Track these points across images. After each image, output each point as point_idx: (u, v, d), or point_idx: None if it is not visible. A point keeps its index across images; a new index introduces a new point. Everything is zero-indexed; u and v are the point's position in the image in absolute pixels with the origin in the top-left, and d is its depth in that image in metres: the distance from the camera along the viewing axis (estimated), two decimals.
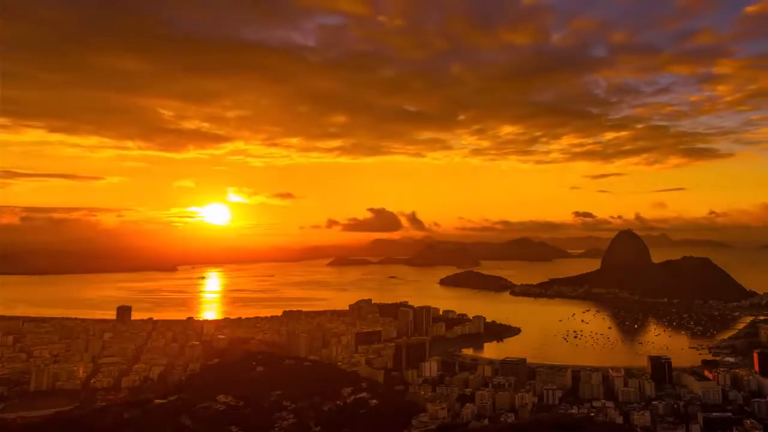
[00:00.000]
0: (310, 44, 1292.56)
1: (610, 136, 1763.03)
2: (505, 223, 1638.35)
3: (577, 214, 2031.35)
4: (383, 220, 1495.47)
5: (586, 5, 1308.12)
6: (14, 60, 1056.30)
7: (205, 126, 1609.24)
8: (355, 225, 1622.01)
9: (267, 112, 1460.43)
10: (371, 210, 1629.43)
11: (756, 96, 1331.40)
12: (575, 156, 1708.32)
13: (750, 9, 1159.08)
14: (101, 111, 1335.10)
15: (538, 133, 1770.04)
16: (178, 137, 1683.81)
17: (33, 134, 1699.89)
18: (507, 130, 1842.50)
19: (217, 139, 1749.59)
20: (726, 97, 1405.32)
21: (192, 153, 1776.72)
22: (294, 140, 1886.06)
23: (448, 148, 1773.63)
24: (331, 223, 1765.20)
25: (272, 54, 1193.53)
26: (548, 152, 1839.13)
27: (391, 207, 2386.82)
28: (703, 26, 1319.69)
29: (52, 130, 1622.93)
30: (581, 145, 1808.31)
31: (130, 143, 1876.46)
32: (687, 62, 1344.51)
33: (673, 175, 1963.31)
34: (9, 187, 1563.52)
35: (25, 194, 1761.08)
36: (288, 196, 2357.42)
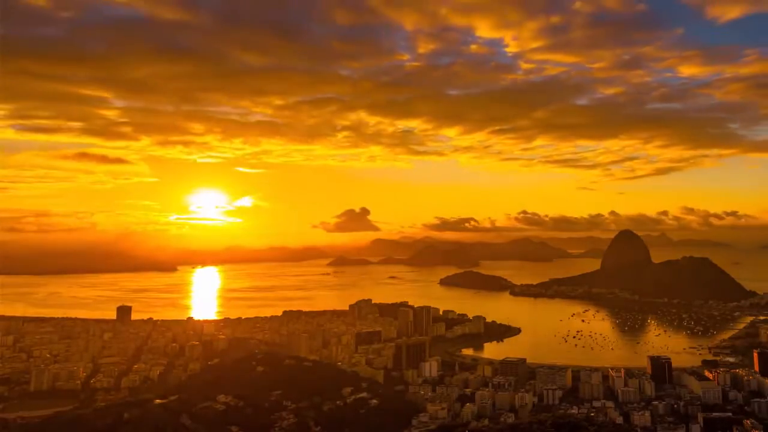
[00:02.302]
0: (344, 73, 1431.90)
1: (592, 143, 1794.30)
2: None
3: (521, 213, 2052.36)
4: (354, 220, 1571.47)
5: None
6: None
7: (215, 136, 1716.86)
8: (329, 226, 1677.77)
9: (275, 124, 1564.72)
10: (345, 213, 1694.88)
11: (737, 107, 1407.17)
12: (558, 163, 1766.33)
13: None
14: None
15: (525, 142, 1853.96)
16: (187, 145, 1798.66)
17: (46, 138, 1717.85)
18: (493, 140, 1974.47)
19: (223, 147, 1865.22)
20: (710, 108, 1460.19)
21: (197, 157, 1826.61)
22: (297, 147, 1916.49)
23: (440, 154, 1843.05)
24: (315, 226, 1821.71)
25: (303, 77, 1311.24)
26: (532, 158, 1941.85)
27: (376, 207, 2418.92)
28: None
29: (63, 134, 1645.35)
30: (560, 153, 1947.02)
31: (138, 146, 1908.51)
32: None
33: (657, 180, 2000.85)
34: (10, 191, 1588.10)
35: (29, 198, 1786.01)
36: (289, 198, 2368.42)
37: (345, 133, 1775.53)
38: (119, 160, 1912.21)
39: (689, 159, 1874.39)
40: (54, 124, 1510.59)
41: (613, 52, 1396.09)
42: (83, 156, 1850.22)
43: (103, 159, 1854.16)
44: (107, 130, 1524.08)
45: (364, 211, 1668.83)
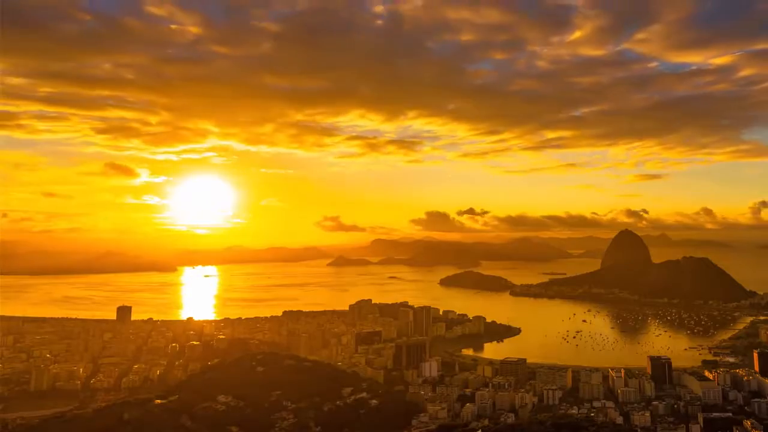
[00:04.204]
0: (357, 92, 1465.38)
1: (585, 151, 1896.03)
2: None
3: (459, 212, 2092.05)
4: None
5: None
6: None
7: (223, 140, 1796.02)
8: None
9: (287, 133, 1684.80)
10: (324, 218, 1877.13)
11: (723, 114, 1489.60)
12: (550, 169, 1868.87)
13: None
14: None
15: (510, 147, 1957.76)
16: (193, 150, 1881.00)
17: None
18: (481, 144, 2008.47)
19: (227, 151, 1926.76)
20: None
21: (200, 159, 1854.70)
22: (297, 150, 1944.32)
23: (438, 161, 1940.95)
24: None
25: (320, 96, 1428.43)
26: (524, 163, 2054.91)
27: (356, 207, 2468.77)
28: None
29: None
30: (553, 159, 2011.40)
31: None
32: None
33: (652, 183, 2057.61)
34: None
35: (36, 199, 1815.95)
36: (287, 199, 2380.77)
37: (352, 142, 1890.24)
38: (126, 161, 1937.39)
39: (679, 163, 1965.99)
40: (79, 132, 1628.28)
41: (593, 78, 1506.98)
42: (97, 159, 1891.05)
43: (113, 160, 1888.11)
44: (121, 135, 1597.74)
45: (335, 217, 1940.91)
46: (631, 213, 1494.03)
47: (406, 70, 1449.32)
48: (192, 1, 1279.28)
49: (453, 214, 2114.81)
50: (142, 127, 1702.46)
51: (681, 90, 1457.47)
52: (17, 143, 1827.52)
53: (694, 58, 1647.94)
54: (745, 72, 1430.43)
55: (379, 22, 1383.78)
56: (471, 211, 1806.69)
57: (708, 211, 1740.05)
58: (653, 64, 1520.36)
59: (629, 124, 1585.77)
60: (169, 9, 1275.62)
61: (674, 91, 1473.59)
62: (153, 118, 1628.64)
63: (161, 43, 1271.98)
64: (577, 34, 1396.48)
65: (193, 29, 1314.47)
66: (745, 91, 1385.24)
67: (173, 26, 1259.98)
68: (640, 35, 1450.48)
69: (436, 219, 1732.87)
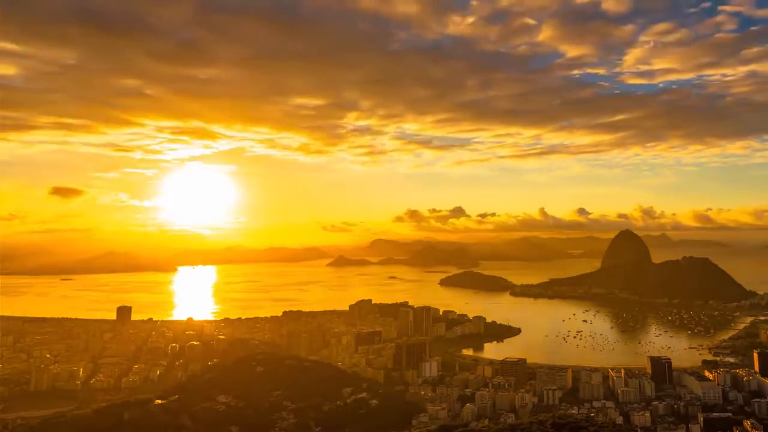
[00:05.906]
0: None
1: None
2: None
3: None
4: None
5: None
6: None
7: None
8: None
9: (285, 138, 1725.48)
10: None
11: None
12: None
13: None
14: None
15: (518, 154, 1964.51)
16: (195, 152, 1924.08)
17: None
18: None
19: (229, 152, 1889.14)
20: None
21: (202, 159, 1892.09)
22: (301, 155, 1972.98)
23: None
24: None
25: (330, 110, 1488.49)
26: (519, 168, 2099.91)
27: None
28: None
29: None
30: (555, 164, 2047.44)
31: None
32: None
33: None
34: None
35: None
36: (289, 200, 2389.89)
37: (355, 150, 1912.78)
38: (129, 163, 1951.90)
39: (670, 166, 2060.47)
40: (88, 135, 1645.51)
41: (576, 94, 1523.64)
42: (99, 159, 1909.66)
43: (115, 161, 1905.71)
44: (130, 138, 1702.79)
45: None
46: (581, 211, 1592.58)
47: (407, 87, 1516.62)
48: (232, 38, 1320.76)
49: (425, 214, 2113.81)
50: (152, 132, 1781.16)
51: (657, 104, 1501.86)
52: (28, 145, 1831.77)
53: (661, 79, 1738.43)
54: (713, 89, 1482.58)
55: (387, 49, 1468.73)
56: (414, 214, 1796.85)
57: (648, 210, 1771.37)
58: (627, 84, 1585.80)
59: (615, 133, 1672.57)
60: (205, 36, 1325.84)
61: (652, 104, 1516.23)
62: (164, 123, 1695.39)
63: (190, 65, 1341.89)
64: (554, 63, 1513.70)
65: (223, 53, 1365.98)
66: (718, 103, 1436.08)
67: (204, 50, 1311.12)
68: (606, 65, 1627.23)
69: (404, 220, 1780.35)
